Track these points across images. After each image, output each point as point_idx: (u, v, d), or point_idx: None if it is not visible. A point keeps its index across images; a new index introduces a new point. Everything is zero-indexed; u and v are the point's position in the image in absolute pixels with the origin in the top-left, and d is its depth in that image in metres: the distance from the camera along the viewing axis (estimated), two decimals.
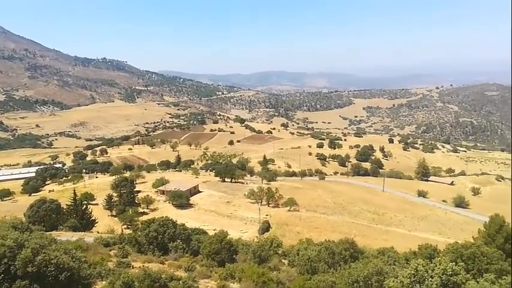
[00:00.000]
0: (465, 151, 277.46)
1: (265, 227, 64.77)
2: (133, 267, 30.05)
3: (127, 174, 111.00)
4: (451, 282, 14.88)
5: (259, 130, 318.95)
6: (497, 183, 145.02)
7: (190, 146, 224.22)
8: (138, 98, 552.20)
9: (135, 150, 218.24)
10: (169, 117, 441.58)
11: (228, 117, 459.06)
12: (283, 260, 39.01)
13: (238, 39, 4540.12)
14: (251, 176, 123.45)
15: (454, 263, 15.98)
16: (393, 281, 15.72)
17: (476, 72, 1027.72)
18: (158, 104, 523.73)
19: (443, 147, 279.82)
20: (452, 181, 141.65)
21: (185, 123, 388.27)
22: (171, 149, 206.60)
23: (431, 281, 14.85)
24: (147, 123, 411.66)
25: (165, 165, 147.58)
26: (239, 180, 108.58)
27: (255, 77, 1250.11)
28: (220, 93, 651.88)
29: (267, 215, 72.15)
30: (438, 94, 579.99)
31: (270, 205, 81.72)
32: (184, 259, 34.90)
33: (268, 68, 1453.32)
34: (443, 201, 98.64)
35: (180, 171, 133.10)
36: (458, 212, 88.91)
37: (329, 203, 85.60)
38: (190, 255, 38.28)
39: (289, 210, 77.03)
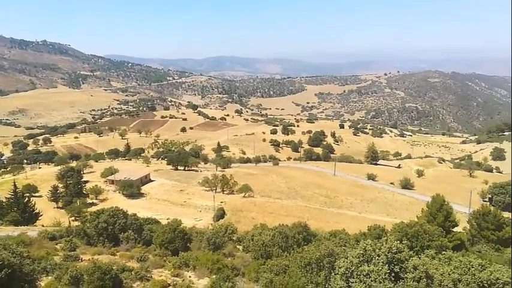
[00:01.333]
0: (411, 135, 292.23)
1: (220, 214, 64.70)
2: (82, 260, 28.84)
3: (73, 163, 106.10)
4: (395, 260, 15.49)
5: (212, 117, 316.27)
6: (439, 165, 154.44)
7: (140, 133, 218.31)
8: (83, 83, 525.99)
9: (82, 138, 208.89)
10: (118, 104, 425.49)
11: (179, 103, 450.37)
12: (238, 246, 39.13)
13: (189, 23, 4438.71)
14: (205, 163, 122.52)
15: (399, 241, 16.65)
16: (343, 262, 16.12)
17: (420, 60, 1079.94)
18: (105, 89, 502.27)
19: (391, 131, 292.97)
20: (399, 164, 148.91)
21: (134, 109, 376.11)
22: (120, 137, 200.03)
23: (377, 259, 15.37)
24: (94, 110, 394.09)
25: (114, 153, 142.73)
26: (193, 168, 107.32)
27: (207, 62, 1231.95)
28: (171, 78, 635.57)
29: (221, 202, 72.04)
30: (386, 80, 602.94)
31: (225, 192, 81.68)
32: (136, 249, 34.02)
33: (220, 52, 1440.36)
34: (391, 183, 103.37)
35: (130, 159, 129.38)
36: (404, 193, 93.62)
37: (283, 188, 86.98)
38: (143, 245, 37.39)
39: (244, 197, 77.41)
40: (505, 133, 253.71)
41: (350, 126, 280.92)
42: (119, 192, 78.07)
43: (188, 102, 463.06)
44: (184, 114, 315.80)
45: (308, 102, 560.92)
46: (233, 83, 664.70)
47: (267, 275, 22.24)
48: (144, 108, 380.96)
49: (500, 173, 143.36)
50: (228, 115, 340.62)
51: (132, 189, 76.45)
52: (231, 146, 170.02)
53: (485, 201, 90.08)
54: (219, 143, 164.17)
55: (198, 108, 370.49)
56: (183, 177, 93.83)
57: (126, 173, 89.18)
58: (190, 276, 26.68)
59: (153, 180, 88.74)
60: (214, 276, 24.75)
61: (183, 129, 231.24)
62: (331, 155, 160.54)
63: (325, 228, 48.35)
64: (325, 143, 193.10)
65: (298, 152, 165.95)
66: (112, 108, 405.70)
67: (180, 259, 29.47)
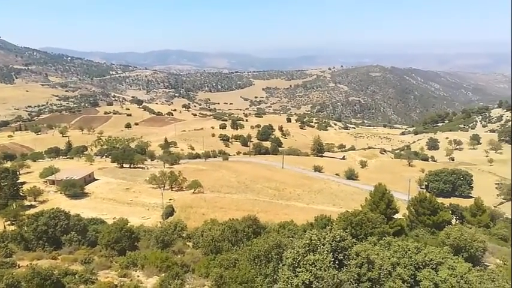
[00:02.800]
0: (354, 128, 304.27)
1: (169, 212, 63.66)
2: (19, 267, 27.26)
3: (8, 164, 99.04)
4: (339, 248, 16.18)
5: (159, 112, 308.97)
6: (381, 156, 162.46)
7: (82, 130, 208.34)
8: (16, 78, 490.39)
9: (17, 137, 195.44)
10: (57, 100, 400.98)
11: (123, 98, 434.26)
12: (187, 243, 38.82)
13: (132, 15, 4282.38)
14: (152, 160, 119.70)
15: (342, 230, 17.38)
16: (290, 252, 16.56)
17: (362, 55, 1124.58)
18: (42, 85, 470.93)
19: (335, 124, 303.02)
20: (344, 156, 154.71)
21: (75, 105, 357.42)
22: (60, 135, 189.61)
23: (323, 248, 15.95)
24: (30, 106, 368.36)
25: (54, 152, 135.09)
26: (139, 166, 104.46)
27: (152, 56, 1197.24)
28: (114, 72, 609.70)
29: (170, 199, 70.89)
30: (330, 75, 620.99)
31: (174, 189, 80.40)
32: (80, 252, 32.71)
33: (166, 46, 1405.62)
34: (337, 174, 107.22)
35: (72, 158, 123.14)
36: (349, 183, 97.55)
37: (233, 182, 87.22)
38: (87, 247, 36.05)
39: (193, 193, 76.67)
40: (439, 124, 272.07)
41: (297, 120, 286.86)
42: (61, 193, 74.09)
43: (133, 97, 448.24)
44: (128, 109, 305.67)
45: (256, 97, 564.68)
46: (180, 77, 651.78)
47: (216, 270, 22.31)
48: (86, 104, 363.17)
49: (435, 161, 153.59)
50: (175, 110, 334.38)
51: (75, 189, 72.86)
52: (179, 141, 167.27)
53: (422, 188, 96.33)
54: (166, 138, 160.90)
55: (144, 103, 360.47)
56: (129, 175, 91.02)
57: (67, 172, 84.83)
58: (138, 276, 26.14)
59: (97, 179, 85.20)
60: (163, 275, 24.42)
61: (128, 125, 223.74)
62: (280, 148, 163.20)
63: (274, 221, 49.19)
64: (273, 136, 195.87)
65: (248, 146, 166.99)
66: (51, 104, 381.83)
67: (128, 259, 28.77)
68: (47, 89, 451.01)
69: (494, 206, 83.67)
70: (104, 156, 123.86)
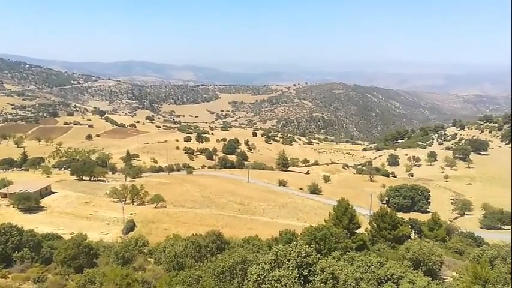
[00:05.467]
0: (318, 143, 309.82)
1: (130, 227, 61.66)
2: None
3: None
4: (304, 263, 16.18)
5: (121, 123, 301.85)
6: (344, 171, 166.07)
7: (39, 141, 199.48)
8: None
9: None
10: (12, 109, 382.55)
11: (85, 109, 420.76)
12: (149, 259, 37.69)
13: (95, 23, 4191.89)
14: (113, 173, 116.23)
15: (307, 245, 17.42)
16: (255, 268, 16.37)
17: (325, 73, 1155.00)
18: None
19: (300, 139, 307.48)
20: (308, 170, 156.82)
21: (33, 115, 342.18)
22: (15, 145, 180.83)
23: (288, 264, 15.89)
24: None
25: (8, 163, 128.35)
26: (99, 179, 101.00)
27: (116, 66, 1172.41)
28: (75, 82, 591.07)
29: (131, 213, 68.71)
30: (295, 91, 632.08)
31: (135, 203, 78.14)
32: (33, 269, 30.97)
33: (130, 57, 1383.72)
34: (301, 189, 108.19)
35: (28, 170, 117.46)
36: (313, 198, 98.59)
37: (197, 196, 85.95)
38: (41, 264, 34.20)
39: (155, 207, 74.84)
40: (399, 141, 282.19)
41: (262, 135, 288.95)
42: (13, 207, 70.13)
43: (95, 108, 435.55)
44: (90, 120, 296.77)
45: (222, 110, 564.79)
46: (144, 88, 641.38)
47: (179, 287, 21.69)
48: (45, 114, 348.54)
49: (395, 177, 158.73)
50: (138, 122, 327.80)
51: (30, 202, 69.13)
52: (141, 154, 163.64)
53: (383, 203, 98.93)
54: (128, 151, 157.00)
55: (106, 115, 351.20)
56: (89, 188, 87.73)
57: (22, 184, 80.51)
58: None
59: (54, 192, 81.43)
60: None
61: (89, 137, 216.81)
62: (245, 162, 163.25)
63: (239, 236, 48.76)
64: (239, 150, 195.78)
65: (213, 159, 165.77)
66: (5, 113, 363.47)
67: (85, 276, 27.46)
68: (2, 97, 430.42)
69: (450, 221, 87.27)
70: (63, 169, 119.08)
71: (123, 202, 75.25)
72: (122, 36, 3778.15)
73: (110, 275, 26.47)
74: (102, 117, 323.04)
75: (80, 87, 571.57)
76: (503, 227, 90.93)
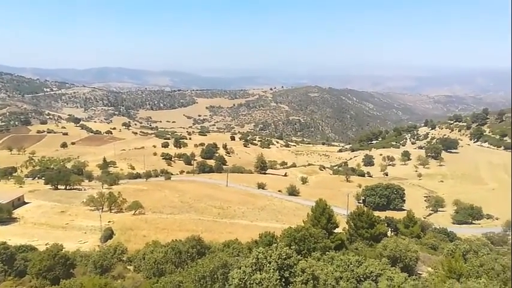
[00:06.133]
0: (295, 145, 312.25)
1: (108, 235, 60.56)
2: None
3: None
4: (285, 265, 16.42)
5: (97, 130, 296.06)
6: (321, 172, 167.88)
7: (11, 150, 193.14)
8: None
9: None
10: None
11: (59, 116, 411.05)
12: (128, 267, 37.19)
13: (68, 29, 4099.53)
14: (90, 181, 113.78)
15: (287, 247, 17.68)
16: (237, 272, 16.51)
17: (301, 76, 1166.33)
18: None
19: (277, 142, 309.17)
20: (286, 173, 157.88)
21: (4, 124, 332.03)
22: None
23: (269, 266, 16.11)
24: None
25: None
26: (76, 187, 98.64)
27: (90, 73, 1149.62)
28: (48, 89, 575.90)
29: (109, 221, 67.54)
30: (272, 95, 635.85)
31: (113, 211, 76.78)
32: (6, 283, 30.11)
33: (105, 63, 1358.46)
34: (279, 191, 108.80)
35: None
36: (291, 199, 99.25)
37: (176, 202, 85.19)
38: (15, 277, 33.21)
39: (134, 214, 73.76)
40: (373, 141, 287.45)
41: (240, 138, 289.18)
42: None
43: (69, 115, 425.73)
44: (65, 128, 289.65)
45: (200, 115, 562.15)
46: (120, 94, 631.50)
47: None
48: (16, 123, 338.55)
49: (370, 177, 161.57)
50: (114, 128, 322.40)
51: (1, 214, 67.00)
52: (118, 161, 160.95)
53: (359, 202, 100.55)
54: (105, 158, 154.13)
55: (81, 122, 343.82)
56: (65, 197, 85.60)
57: None
58: None
59: (28, 203, 79.06)
60: None
61: (64, 145, 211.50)
62: (224, 166, 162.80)
63: (219, 240, 48.69)
64: (217, 155, 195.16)
65: (191, 164, 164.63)
66: None
67: None
68: None
69: (424, 218, 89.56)
70: (37, 178, 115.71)
71: (101, 210, 73.83)
72: (96, 42, 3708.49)
73: (88, 285, 26.00)
74: (77, 125, 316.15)
75: (53, 95, 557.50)
76: (473, 221, 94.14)
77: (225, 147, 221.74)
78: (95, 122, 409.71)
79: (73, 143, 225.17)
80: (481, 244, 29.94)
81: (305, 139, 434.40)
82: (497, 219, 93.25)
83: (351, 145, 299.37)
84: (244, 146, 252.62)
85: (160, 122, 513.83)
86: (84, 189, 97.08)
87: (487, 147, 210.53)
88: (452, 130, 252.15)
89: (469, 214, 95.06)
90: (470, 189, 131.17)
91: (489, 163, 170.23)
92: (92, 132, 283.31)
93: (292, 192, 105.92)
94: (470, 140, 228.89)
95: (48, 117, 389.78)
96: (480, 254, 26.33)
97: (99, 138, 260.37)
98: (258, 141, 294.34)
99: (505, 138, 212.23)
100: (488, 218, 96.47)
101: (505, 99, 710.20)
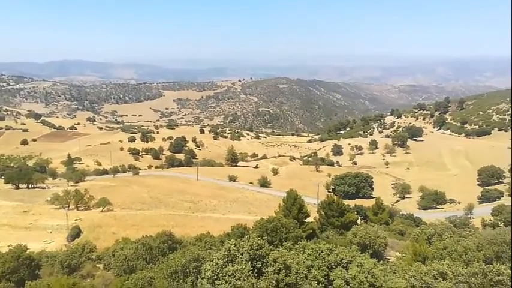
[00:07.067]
0: (265, 137, 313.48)
1: (75, 233, 58.90)
2: None
3: None
4: (257, 256, 16.42)
5: (60, 126, 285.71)
6: (291, 163, 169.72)
7: None
8: None
9: None
10: None
11: (18, 112, 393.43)
12: (98, 265, 36.25)
13: (24, 20, 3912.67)
14: (54, 178, 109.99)
15: (259, 238, 17.68)
16: (209, 265, 16.36)
17: (269, 67, 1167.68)
18: None
19: (247, 134, 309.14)
20: (257, 164, 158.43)
21: None
22: None
23: (241, 258, 16.05)
24: None
25: None
26: (39, 185, 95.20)
27: (50, 67, 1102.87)
28: (5, 84, 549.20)
29: (76, 219, 65.62)
30: (241, 87, 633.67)
31: (80, 208, 74.73)
32: None
33: (66, 56, 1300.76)
34: (251, 183, 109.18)
35: None
36: (263, 191, 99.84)
37: (145, 198, 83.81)
38: None
39: (102, 211, 72.02)
40: (342, 131, 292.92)
41: (210, 131, 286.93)
42: None
43: (29, 111, 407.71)
44: (24, 124, 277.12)
45: (167, 108, 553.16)
46: (83, 88, 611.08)
47: None
48: None
49: (339, 166, 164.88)
50: (78, 124, 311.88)
51: None
52: (84, 157, 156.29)
53: (329, 192, 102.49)
54: (69, 154, 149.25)
55: (42, 118, 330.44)
56: (27, 196, 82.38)
57: None
58: None
59: None
60: None
61: (24, 142, 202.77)
62: (194, 160, 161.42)
63: (190, 234, 48.31)
64: (186, 148, 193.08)
65: (160, 159, 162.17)
66: None
67: None
68: None
69: (392, 204, 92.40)
70: None
71: (67, 208, 71.67)
72: (56, 34, 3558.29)
73: (55, 286, 25.16)
74: (38, 121, 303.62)
75: (10, 90, 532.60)
76: (438, 206, 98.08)
77: (194, 140, 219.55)
78: (57, 117, 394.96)
79: (34, 140, 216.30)
80: (445, 228, 31.12)
81: (275, 130, 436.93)
82: (459, 203, 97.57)
83: (320, 135, 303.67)
84: (214, 139, 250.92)
85: (126, 116, 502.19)
86: (48, 188, 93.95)
87: (449, 134, 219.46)
88: (417, 118, 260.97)
89: (433, 199, 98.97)
90: (434, 176, 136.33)
91: (451, 150, 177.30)
92: (54, 128, 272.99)
93: (264, 183, 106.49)
94: (434, 127, 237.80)
95: (5, 113, 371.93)
96: (444, 237, 27.38)
97: (63, 134, 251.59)
98: (228, 133, 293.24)
99: (465, 126, 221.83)
100: (451, 203, 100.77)
101: (464, 88, 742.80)
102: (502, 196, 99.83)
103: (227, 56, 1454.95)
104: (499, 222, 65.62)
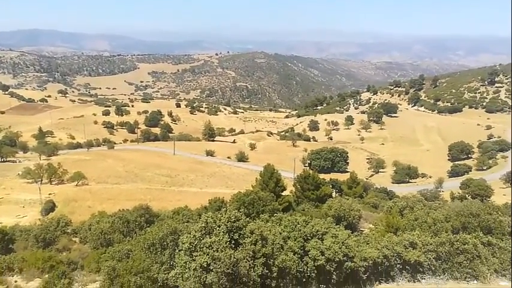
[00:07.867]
0: (243, 112, 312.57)
1: (50, 207, 58.03)
2: None
3: None
4: (234, 228, 16.62)
5: (30, 98, 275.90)
6: (268, 138, 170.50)
7: None
8: None
9: None
10: None
11: None
12: (73, 239, 35.93)
13: None
14: (25, 152, 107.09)
15: (237, 210, 17.85)
16: (187, 237, 16.45)
17: (245, 41, 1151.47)
18: None
19: (225, 109, 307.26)
20: (234, 139, 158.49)
21: None
22: None
23: (218, 230, 16.22)
24: None
25: None
26: (9, 159, 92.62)
27: (18, 36, 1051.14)
28: None
29: (50, 193, 64.54)
30: (218, 60, 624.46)
31: (53, 183, 73.33)
32: None
33: (35, 25, 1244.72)
34: (228, 157, 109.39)
35: None
36: (240, 166, 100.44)
37: (121, 172, 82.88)
38: None
39: (77, 185, 70.94)
40: (318, 107, 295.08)
41: (186, 105, 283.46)
42: None
43: None
44: None
45: (142, 81, 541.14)
46: (54, 60, 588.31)
47: (108, 263, 21.11)
48: None
49: (316, 141, 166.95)
50: (50, 96, 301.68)
51: None
52: (56, 130, 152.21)
53: (305, 166, 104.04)
54: (40, 128, 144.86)
55: (10, 89, 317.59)
56: None
57: None
58: (16, 281, 23.43)
59: None
60: (46, 276, 22.29)
61: None
62: (170, 134, 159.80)
63: (168, 208, 48.29)
64: (162, 122, 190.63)
65: (135, 133, 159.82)
66: None
67: (1, 264, 25.49)
68: None
69: (366, 178, 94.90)
70: None
71: (39, 182, 70.15)
72: (24, 1, 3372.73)
73: (30, 260, 24.86)
74: (6, 92, 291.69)
75: None
76: (410, 180, 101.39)
77: (170, 114, 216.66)
78: (26, 89, 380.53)
79: (2, 112, 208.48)
80: (416, 200, 32.27)
81: (253, 106, 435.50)
82: (430, 177, 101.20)
83: (297, 111, 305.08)
84: (191, 114, 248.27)
85: (100, 88, 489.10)
86: (20, 161, 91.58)
87: (423, 111, 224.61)
88: (393, 95, 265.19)
89: (406, 174, 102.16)
90: (408, 151, 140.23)
91: (424, 126, 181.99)
92: (24, 101, 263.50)
93: (241, 158, 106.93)
94: (409, 104, 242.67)
95: None
96: (415, 209, 28.38)
97: (33, 107, 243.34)
98: (205, 108, 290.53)
99: (438, 103, 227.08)
100: (423, 177, 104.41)
101: (438, 66, 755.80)
102: (470, 171, 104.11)
103: (203, 29, 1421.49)
104: (467, 195, 68.64)
